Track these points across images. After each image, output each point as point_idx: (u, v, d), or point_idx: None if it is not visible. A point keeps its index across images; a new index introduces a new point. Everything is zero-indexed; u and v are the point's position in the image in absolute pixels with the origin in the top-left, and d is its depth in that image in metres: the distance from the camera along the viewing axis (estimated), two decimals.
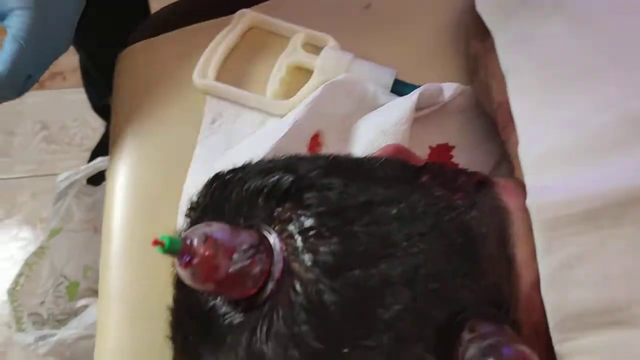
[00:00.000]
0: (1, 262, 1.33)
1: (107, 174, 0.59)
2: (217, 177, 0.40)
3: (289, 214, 0.35)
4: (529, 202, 0.37)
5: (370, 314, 0.33)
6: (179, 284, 0.39)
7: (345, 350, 0.33)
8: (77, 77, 1.59)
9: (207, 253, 0.32)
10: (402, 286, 0.33)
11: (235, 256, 0.33)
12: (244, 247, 0.33)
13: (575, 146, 0.39)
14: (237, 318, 0.35)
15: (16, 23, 0.53)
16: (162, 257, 0.37)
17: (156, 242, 0.31)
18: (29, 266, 1.11)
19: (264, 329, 0.33)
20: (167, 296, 0.40)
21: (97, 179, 1.13)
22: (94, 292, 1.16)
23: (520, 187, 0.39)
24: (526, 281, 0.37)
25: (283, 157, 0.41)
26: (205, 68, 0.57)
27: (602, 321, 0.34)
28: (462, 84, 0.55)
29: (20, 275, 1.11)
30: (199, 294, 0.36)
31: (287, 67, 0.57)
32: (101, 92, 1.24)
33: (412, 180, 0.39)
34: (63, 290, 1.15)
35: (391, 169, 0.40)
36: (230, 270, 0.33)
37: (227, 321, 0.35)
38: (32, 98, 1.55)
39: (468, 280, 0.35)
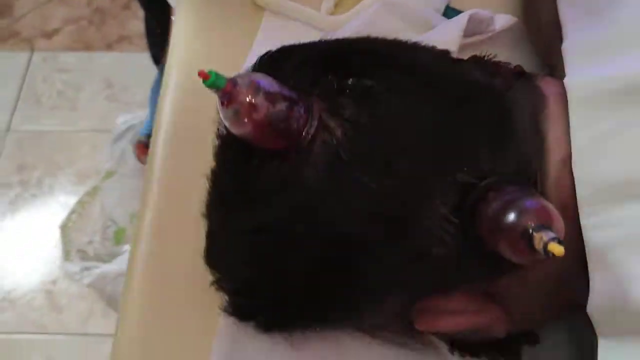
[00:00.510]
0: (60, 201, 1.39)
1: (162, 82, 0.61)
2: (266, 53, 0.42)
3: (330, 77, 0.37)
4: (566, 80, 0.37)
5: (397, 163, 0.34)
6: (221, 140, 0.40)
7: (369, 196, 0.34)
8: (142, 41, 1.66)
9: (248, 94, 0.34)
10: (429, 139, 0.35)
11: (275, 104, 0.34)
12: (284, 99, 0.35)
13: (618, 39, 0.39)
14: (272, 170, 0.36)
15: None
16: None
17: (202, 74, 0.33)
18: (82, 204, 1.17)
19: (296, 178, 0.35)
20: (200, 235, 0.43)
21: None
22: None
23: (559, 81, 0.40)
24: (556, 158, 0.37)
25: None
26: None
27: (631, 193, 0.34)
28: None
29: (72, 212, 1.17)
30: (237, 148, 0.38)
31: None
32: (160, 45, 1.30)
33: (454, 62, 0.40)
34: (111, 234, 1.21)
35: (434, 51, 0.41)
36: (269, 114, 0.34)
37: (262, 173, 0.36)
38: (101, 59, 1.63)
39: (497, 147, 0.36)
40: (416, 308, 0.39)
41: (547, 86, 0.40)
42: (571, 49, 0.41)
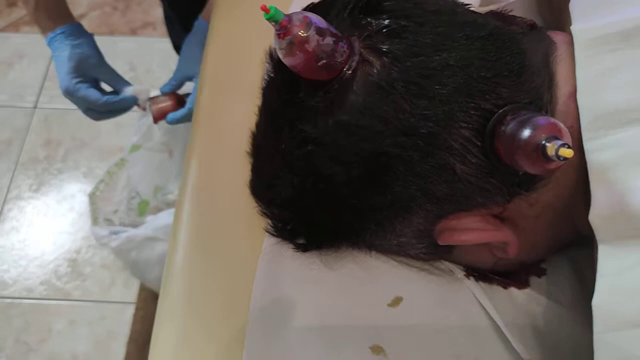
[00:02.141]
0: (84, 175, 1.46)
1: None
2: (310, 4, 0.47)
3: (369, 19, 0.42)
4: (573, 27, 0.43)
5: (429, 89, 0.40)
6: (269, 79, 0.46)
7: (405, 116, 0.39)
8: (165, 28, 1.73)
9: (302, 28, 0.39)
10: (457, 69, 0.40)
11: (324, 38, 0.40)
12: (331, 35, 0.40)
13: None
14: (317, 97, 0.42)
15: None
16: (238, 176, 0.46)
17: (264, 8, 0.38)
18: (109, 174, 1.22)
19: (340, 101, 0.40)
20: (239, 195, 0.49)
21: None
22: (160, 211, 1.26)
23: (566, 33, 0.45)
24: (563, 92, 0.42)
25: None
26: None
27: (630, 118, 0.39)
28: None
29: (100, 182, 1.22)
30: (285, 82, 0.43)
31: None
32: (181, 35, 1.36)
33: (476, 12, 0.46)
34: (135, 205, 1.26)
35: (459, 2, 0.47)
36: (318, 47, 0.39)
37: (309, 99, 0.42)
38: (125, 43, 1.69)
39: (515, 80, 0.41)
40: (439, 227, 0.44)
41: (556, 36, 0.45)
42: (577, 4, 0.46)
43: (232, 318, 0.47)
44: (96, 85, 0.90)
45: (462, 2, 0.47)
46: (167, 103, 0.93)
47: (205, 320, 0.48)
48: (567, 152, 0.34)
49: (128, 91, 0.94)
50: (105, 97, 0.90)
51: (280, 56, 0.41)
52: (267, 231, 0.48)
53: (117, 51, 1.68)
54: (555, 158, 0.35)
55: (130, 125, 1.38)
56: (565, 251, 0.52)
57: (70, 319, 1.31)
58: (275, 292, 0.48)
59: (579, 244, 0.49)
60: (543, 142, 0.36)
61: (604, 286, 0.39)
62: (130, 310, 1.32)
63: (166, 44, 1.66)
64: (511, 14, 0.49)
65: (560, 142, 0.35)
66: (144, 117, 1.21)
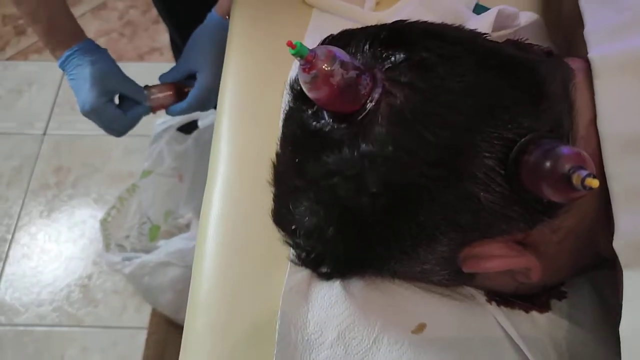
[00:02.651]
0: (94, 201, 1.47)
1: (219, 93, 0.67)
2: (329, 36, 0.48)
3: (389, 51, 0.43)
4: (590, 55, 0.44)
5: (451, 120, 0.40)
6: (290, 110, 0.47)
7: (428, 147, 0.40)
8: (172, 53, 1.75)
9: (326, 62, 0.39)
10: (479, 99, 0.40)
11: (347, 72, 0.40)
12: (354, 68, 0.41)
13: (632, 23, 0.45)
14: (341, 129, 0.42)
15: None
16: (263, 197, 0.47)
17: (290, 44, 0.39)
18: (120, 200, 1.23)
19: (364, 133, 0.41)
20: (262, 224, 0.49)
21: (189, 128, 1.24)
22: (171, 235, 1.27)
23: (582, 59, 0.46)
24: (584, 119, 0.43)
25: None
26: None
27: None
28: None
29: (112, 208, 1.23)
30: (308, 113, 0.44)
31: None
32: None
33: (493, 41, 0.47)
34: (146, 230, 1.27)
35: (476, 32, 0.48)
36: (342, 80, 0.40)
37: (333, 131, 0.42)
38: (132, 68, 1.70)
39: (535, 109, 0.42)
40: (463, 254, 0.45)
41: (574, 62, 0.46)
42: (592, 32, 0.47)
43: (259, 349, 0.47)
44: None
45: (480, 32, 0.48)
46: (165, 93, 0.88)
47: (231, 353, 0.48)
48: (594, 183, 0.35)
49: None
50: (128, 113, 0.87)
51: (305, 90, 0.41)
52: (291, 260, 0.49)
53: None
54: (580, 188, 0.36)
55: (139, 151, 1.40)
56: (587, 271, 0.52)
57: (83, 346, 1.31)
58: (299, 322, 0.48)
59: (598, 264, 0.50)
60: (568, 171, 0.36)
61: (631, 311, 0.39)
62: (142, 336, 1.32)
63: None
64: (527, 42, 0.50)
65: (586, 172, 0.35)
66: (155, 143, 1.22)
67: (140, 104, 0.88)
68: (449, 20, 0.63)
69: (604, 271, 0.49)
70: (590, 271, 0.52)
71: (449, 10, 0.63)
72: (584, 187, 0.35)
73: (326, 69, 0.40)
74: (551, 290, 0.53)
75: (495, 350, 0.49)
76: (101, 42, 1.77)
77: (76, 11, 1.83)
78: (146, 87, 0.89)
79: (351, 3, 0.67)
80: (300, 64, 0.40)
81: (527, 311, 0.51)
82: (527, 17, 0.63)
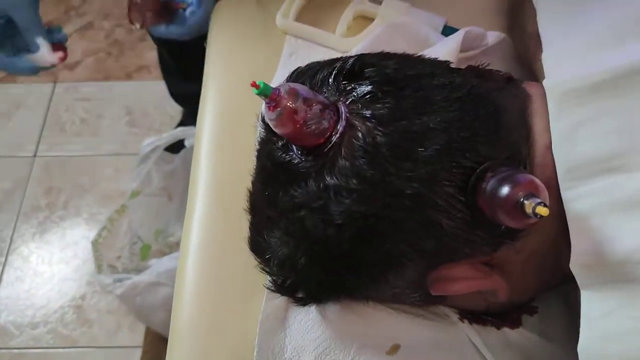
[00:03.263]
0: (86, 222, 1.48)
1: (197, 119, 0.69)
2: (297, 69, 0.49)
3: (352, 85, 0.45)
4: (545, 82, 0.45)
5: (412, 151, 0.42)
6: (262, 141, 0.48)
7: (391, 178, 0.41)
8: (159, 71, 1.76)
9: (290, 100, 0.41)
10: (439, 132, 0.42)
11: (311, 107, 0.42)
12: (318, 104, 0.43)
13: (588, 43, 0.47)
14: (308, 162, 0.44)
15: None
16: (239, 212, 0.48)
17: (254, 84, 0.41)
18: (111, 221, 1.25)
19: (329, 166, 0.42)
20: (241, 251, 0.50)
21: (177, 147, 1.26)
22: (162, 254, 1.28)
23: (540, 84, 0.48)
24: (540, 144, 0.44)
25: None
26: (287, 11, 0.68)
27: (600, 168, 0.41)
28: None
29: (103, 229, 1.25)
30: (278, 146, 0.46)
31: (354, 13, 0.67)
32: (176, 79, 1.37)
33: (453, 69, 0.48)
34: (137, 250, 1.28)
35: (437, 61, 0.49)
36: (306, 116, 0.42)
37: (300, 164, 0.44)
38: (120, 87, 1.73)
39: (492, 137, 0.43)
40: (430, 278, 0.46)
41: (532, 88, 0.48)
42: (549, 57, 0.49)
43: None
44: None
45: (442, 61, 0.50)
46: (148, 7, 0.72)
47: None
48: (543, 211, 0.36)
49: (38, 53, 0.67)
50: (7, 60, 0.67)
51: (272, 126, 0.43)
52: (268, 287, 0.50)
53: (113, 96, 1.71)
54: (532, 215, 0.37)
55: (130, 170, 1.41)
56: (557, 287, 0.54)
57: None
58: (277, 347, 0.50)
59: (568, 279, 0.52)
60: (521, 199, 0.38)
61: (587, 331, 0.41)
62: (137, 354, 1.33)
63: (162, 86, 1.69)
64: (490, 63, 0.51)
65: (537, 201, 0.37)
66: (143, 163, 1.23)
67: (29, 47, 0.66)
68: (417, 43, 0.65)
69: (575, 285, 0.51)
70: (561, 285, 0.53)
71: (417, 33, 0.65)
72: (535, 215, 0.37)
73: (290, 106, 0.41)
74: (522, 306, 0.55)
75: None
76: (89, 62, 1.81)
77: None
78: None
79: (324, 28, 0.69)
80: (266, 103, 0.42)
81: (498, 328, 0.53)
82: (494, 36, 0.65)
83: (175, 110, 1.66)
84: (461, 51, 0.62)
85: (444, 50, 0.62)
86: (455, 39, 0.61)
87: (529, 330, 0.53)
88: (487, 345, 0.51)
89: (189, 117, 1.49)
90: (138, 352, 1.33)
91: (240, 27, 0.72)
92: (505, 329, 0.53)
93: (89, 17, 1.86)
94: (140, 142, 1.29)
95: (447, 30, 0.66)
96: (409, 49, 0.63)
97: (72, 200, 1.53)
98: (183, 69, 1.29)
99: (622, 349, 0.39)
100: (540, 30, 0.52)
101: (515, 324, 0.53)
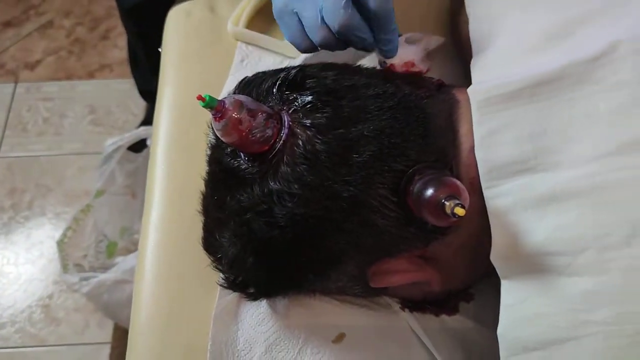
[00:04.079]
0: (51, 221, 1.49)
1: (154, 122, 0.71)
2: (244, 78, 0.53)
3: (294, 95, 0.48)
4: (469, 89, 0.49)
5: (348, 158, 0.46)
6: (212, 148, 0.51)
7: (329, 182, 0.45)
8: (122, 69, 1.77)
9: (235, 111, 0.44)
10: (371, 139, 0.46)
11: (255, 117, 0.45)
12: (262, 113, 0.46)
13: (510, 51, 0.51)
14: (253, 167, 0.47)
15: None
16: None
17: (200, 98, 0.44)
18: (76, 221, 1.26)
19: (273, 172, 0.46)
20: (195, 250, 0.53)
21: (139, 146, 1.28)
22: (129, 252, 1.30)
23: None
24: (466, 147, 0.48)
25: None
26: (237, 18, 0.70)
27: (516, 169, 0.45)
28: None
29: (68, 229, 1.26)
30: (226, 152, 0.49)
31: None
32: (146, 76, 1.38)
33: (388, 78, 0.52)
34: (103, 248, 1.30)
35: (374, 71, 0.53)
36: (251, 126, 0.45)
37: (246, 170, 0.47)
38: (83, 86, 1.73)
39: (421, 142, 0.47)
40: (370, 272, 0.50)
41: (460, 94, 0.52)
42: (475, 65, 0.53)
43: None
44: None
45: (378, 70, 0.53)
46: None
47: None
48: (461, 212, 0.41)
49: None
50: None
51: (219, 135, 0.46)
52: (220, 285, 0.54)
53: (75, 95, 1.71)
54: (452, 215, 0.41)
55: (94, 168, 1.42)
56: (492, 275, 0.58)
57: None
58: (229, 337, 0.53)
59: None
60: (443, 200, 0.42)
61: (505, 317, 0.45)
62: (106, 351, 1.35)
63: (124, 84, 1.71)
64: (430, 68, 0.55)
65: (456, 202, 0.41)
66: (106, 163, 1.25)
67: None
68: (359, 52, 0.68)
69: None
70: (496, 275, 0.58)
71: None
72: (454, 215, 0.41)
73: (235, 116, 0.44)
74: (459, 294, 0.59)
75: (408, 352, 0.55)
76: (50, 61, 1.80)
77: (23, 30, 1.85)
78: None
79: (273, 35, 0.72)
80: (212, 114, 0.45)
81: (437, 315, 0.57)
82: (434, 41, 0.69)
83: (139, 109, 1.67)
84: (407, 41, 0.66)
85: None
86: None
87: (466, 316, 0.58)
88: (426, 331, 0.55)
89: (154, 115, 1.50)
90: (107, 349, 1.35)
91: (193, 33, 0.74)
92: (444, 316, 0.57)
93: (49, 16, 1.85)
94: (104, 141, 1.30)
95: None
96: (352, 56, 0.67)
97: (36, 200, 1.53)
98: (155, 64, 1.30)
99: (533, 332, 0.43)
100: (470, 37, 0.56)
101: (452, 311, 0.58)
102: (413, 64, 0.58)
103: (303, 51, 0.56)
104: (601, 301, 0.41)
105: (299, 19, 0.53)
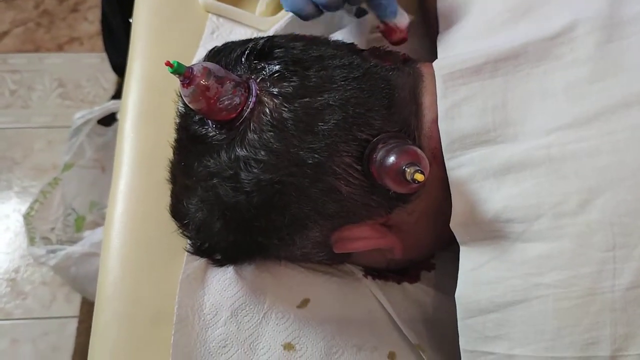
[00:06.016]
0: (17, 195, 1.48)
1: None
2: (214, 48, 0.53)
3: (262, 64, 0.49)
4: (434, 63, 0.51)
5: (314, 126, 0.47)
6: (180, 116, 0.52)
7: (295, 149, 0.46)
8: (92, 42, 1.75)
9: (202, 78, 0.45)
10: (337, 108, 0.47)
11: (223, 85, 0.46)
12: (230, 81, 0.46)
13: (475, 27, 0.53)
14: (221, 134, 0.48)
15: None
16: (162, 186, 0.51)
17: (168, 64, 0.44)
18: (43, 194, 1.25)
19: (240, 139, 0.47)
20: (162, 218, 0.54)
21: (109, 120, 1.27)
22: (97, 225, 1.30)
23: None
24: (428, 119, 0.50)
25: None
26: None
27: (477, 140, 0.47)
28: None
29: (35, 202, 1.25)
30: (194, 120, 0.50)
31: None
32: (121, 49, 1.36)
33: (355, 50, 0.53)
34: (72, 221, 1.29)
35: (341, 43, 0.54)
36: (218, 93, 0.45)
37: (214, 137, 0.48)
38: (52, 59, 1.70)
39: (385, 113, 0.48)
40: (333, 238, 0.52)
41: (425, 68, 0.53)
42: (441, 40, 0.55)
43: (161, 332, 0.53)
44: None
45: (346, 43, 0.54)
46: None
47: (136, 338, 0.54)
48: (420, 177, 0.42)
49: None
50: None
51: (187, 102, 0.47)
52: (187, 250, 0.54)
53: (44, 68, 1.68)
54: (412, 181, 0.43)
55: (62, 142, 1.41)
56: (453, 246, 0.60)
57: (13, 338, 1.33)
58: (196, 302, 0.54)
59: None
60: (404, 167, 0.44)
61: (463, 281, 0.47)
62: (73, 324, 1.35)
63: (94, 59, 1.69)
64: (387, 49, 0.57)
65: (416, 168, 0.43)
66: (75, 136, 1.24)
67: None
68: (331, 25, 0.69)
69: None
70: (457, 244, 0.60)
71: (331, 16, 0.69)
72: (414, 180, 0.42)
73: (203, 83, 0.45)
74: (421, 263, 0.61)
75: (370, 318, 0.57)
76: (18, 32, 1.77)
77: None
78: None
79: (244, 8, 0.72)
80: (180, 80, 0.46)
81: (399, 282, 0.59)
82: (403, 18, 0.70)
83: (109, 83, 1.65)
84: (371, 32, 0.67)
85: (355, 32, 0.67)
86: (365, 22, 0.66)
87: (427, 284, 0.60)
88: (388, 298, 0.57)
89: (123, 87, 1.48)
90: (74, 322, 1.35)
91: (164, 4, 0.74)
92: (405, 284, 0.59)
93: None
94: (73, 115, 1.29)
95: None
96: (323, 31, 0.68)
97: (2, 174, 1.51)
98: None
99: (491, 295, 0.45)
100: (438, 13, 0.57)
101: (414, 279, 0.60)
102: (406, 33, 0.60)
103: (305, 18, 0.57)
104: (553, 265, 0.43)
105: None
